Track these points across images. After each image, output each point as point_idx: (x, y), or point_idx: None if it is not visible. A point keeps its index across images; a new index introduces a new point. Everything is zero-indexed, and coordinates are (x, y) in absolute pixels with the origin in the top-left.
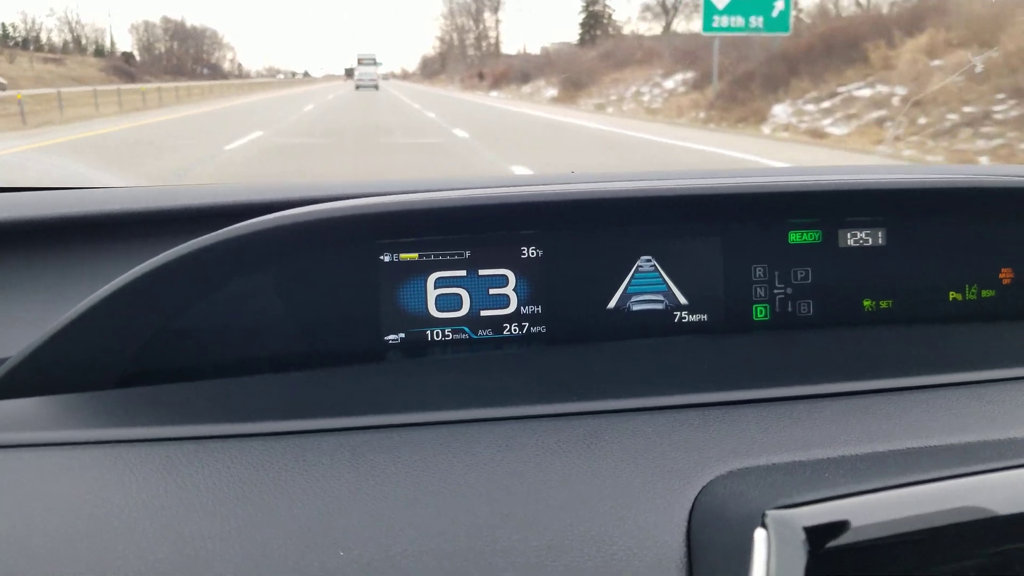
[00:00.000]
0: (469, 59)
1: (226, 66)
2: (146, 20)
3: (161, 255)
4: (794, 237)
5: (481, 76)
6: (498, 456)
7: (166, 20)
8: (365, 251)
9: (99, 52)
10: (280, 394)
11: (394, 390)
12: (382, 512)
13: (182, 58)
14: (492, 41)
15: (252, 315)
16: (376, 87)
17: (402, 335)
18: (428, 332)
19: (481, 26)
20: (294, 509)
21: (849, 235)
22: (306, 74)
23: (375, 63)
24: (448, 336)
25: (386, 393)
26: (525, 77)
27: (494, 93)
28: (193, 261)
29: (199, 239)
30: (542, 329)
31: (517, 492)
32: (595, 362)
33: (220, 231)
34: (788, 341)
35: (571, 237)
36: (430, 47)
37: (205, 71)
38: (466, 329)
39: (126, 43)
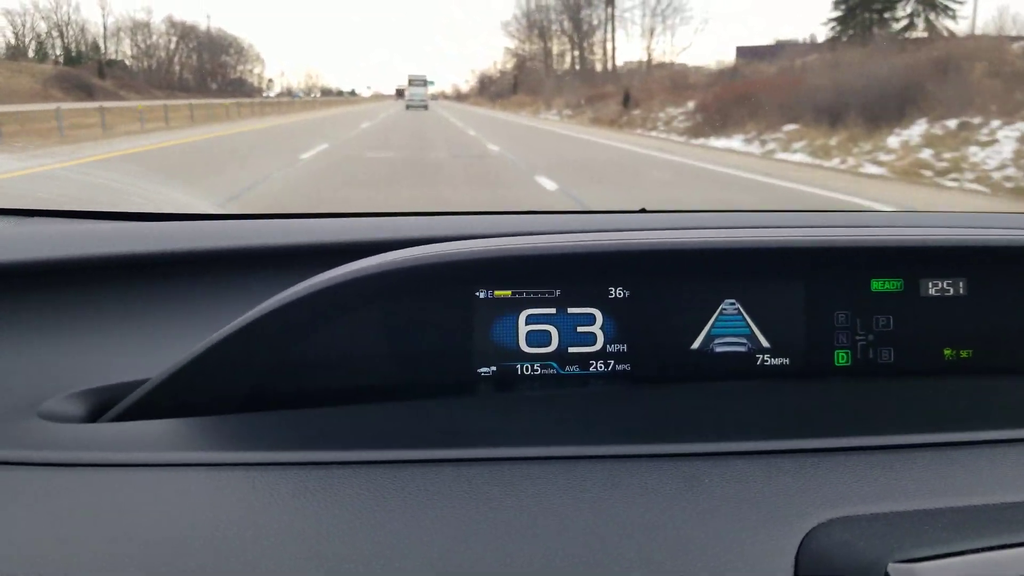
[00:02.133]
0: (562, 75)
1: (254, 82)
2: (136, 19)
3: (286, 292)
4: (876, 285)
5: (627, 99)
6: (605, 494)
7: (170, 22)
8: (462, 288)
9: (41, 56)
10: (388, 424)
11: (491, 423)
12: (502, 544)
13: (193, 69)
14: (598, 56)
15: (358, 347)
16: (426, 107)
17: (494, 368)
18: (518, 366)
19: (591, 31)
20: (424, 537)
21: (931, 284)
22: (352, 92)
23: (425, 84)
24: (537, 371)
25: (484, 426)
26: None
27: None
28: (315, 299)
29: (320, 278)
30: (627, 367)
31: (625, 529)
32: (681, 403)
33: (338, 272)
34: (870, 388)
35: (658, 280)
36: (492, 62)
37: (214, 86)
38: (554, 364)
39: (121, 48)
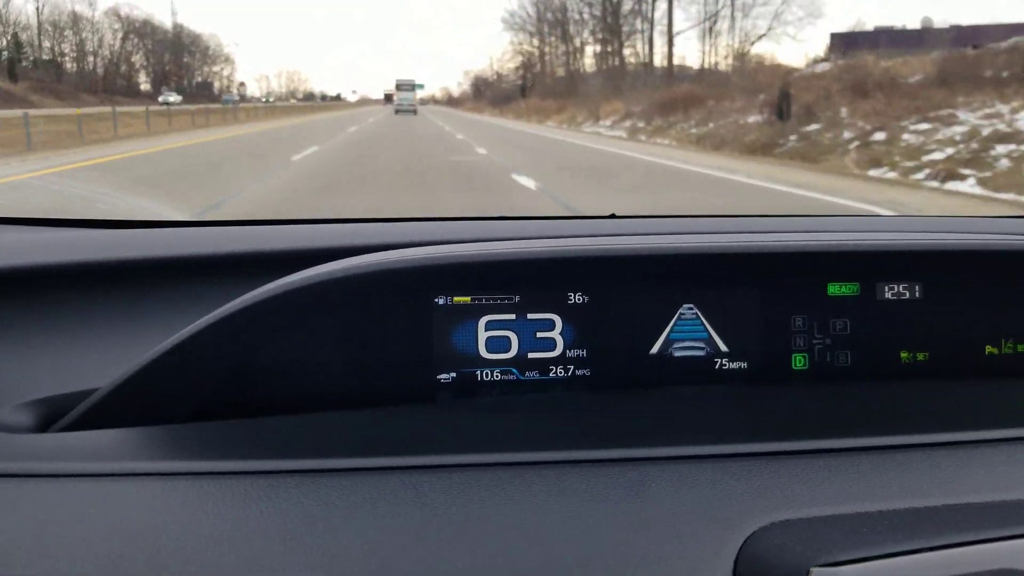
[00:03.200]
0: (599, 75)
1: (222, 85)
2: (75, 11)
3: (240, 299)
4: (833, 289)
5: (784, 107)
6: (550, 500)
7: (115, 15)
8: (421, 294)
9: None
10: (343, 432)
11: (449, 430)
12: (445, 550)
13: (151, 70)
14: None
15: (313, 355)
16: (415, 112)
17: (453, 375)
18: (478, 372)
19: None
20: (365, 545)
21: (887, 288)
22: (338, 97)
23: (413, 88)
24: (497, 377)
25: (441, 432)
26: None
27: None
28: (268, 306)
29: (272, 285)
30: (587, 372)
31: (568, 535)
32: (639, 407)
33: (290, 279)
34: (827, 392)
35: (616, 285)
36: (488, 62)
37: (164, 90)
38: (514, 371)
39: (60, 46)
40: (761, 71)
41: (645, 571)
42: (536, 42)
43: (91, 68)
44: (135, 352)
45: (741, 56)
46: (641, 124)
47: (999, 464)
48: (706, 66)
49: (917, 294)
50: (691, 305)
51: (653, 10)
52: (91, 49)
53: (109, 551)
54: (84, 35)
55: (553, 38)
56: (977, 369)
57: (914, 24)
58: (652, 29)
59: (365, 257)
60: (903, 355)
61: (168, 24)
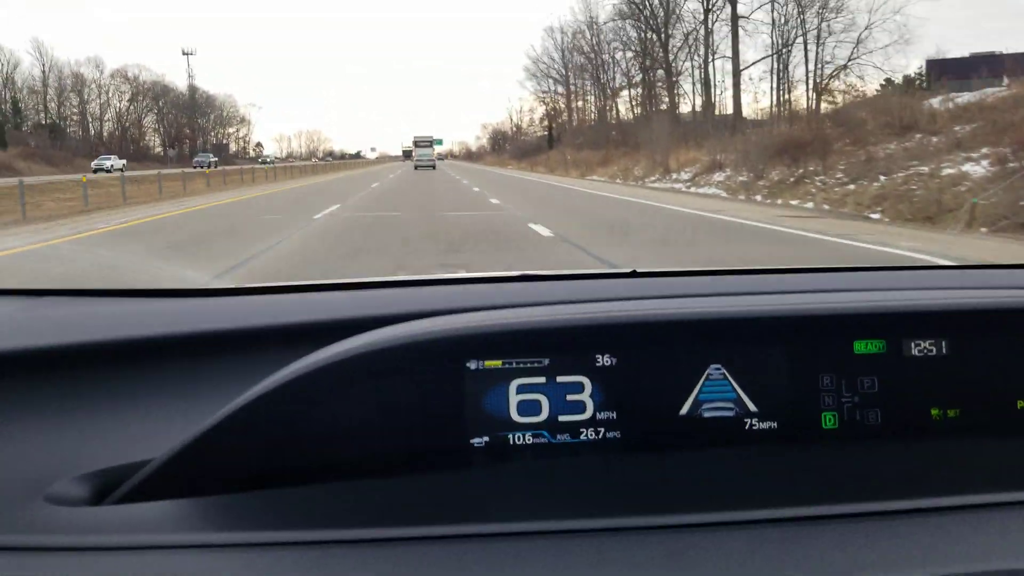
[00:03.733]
0: (626, 124)
1: (238, 145)
2: (77, 73)
3: (281, 373)
4: (859, 347)
5: None
6: (591, 571)
7: (123, 77)
8: (454, 360)
9: None
10: (385, 499)
11: (485, 497)
12: None
13: (164, 132)
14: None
15: (351, 422)
16: (433, 167)
17: (486, 439)
18: (510, 436)
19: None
20: None
21: (913, 344)
22: (358, 155)
23: (431, 144)
24: (529, 440)
25: (477, 499)
26: None
27: None
28: (310, 378)
29: (312, 359)
30: (617, 434)
31: None
32: (671, 470)
33: (329, 352)
34: (858, 451)
35: (643, 347)
36: (507, 115)
37: (172, 152)
38: (545, 433)
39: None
40: (909, 106)
41: None
42: (561, 89)
43: (94, 132)
44: (185, 423)
45: (824, 90)
46: (744, 178)
47: None
48: (777, 104)
49: (944, 350)
50: (719, 365)
51: (707, 41)
52: (95, 112)
53: None
54: (88, 97)
55: (583, 82)
56: (1011, 425)
57: (997, 49)
58: (711, 61)
59: (399, 328)
60: (934, 412)
61: (181, 85)
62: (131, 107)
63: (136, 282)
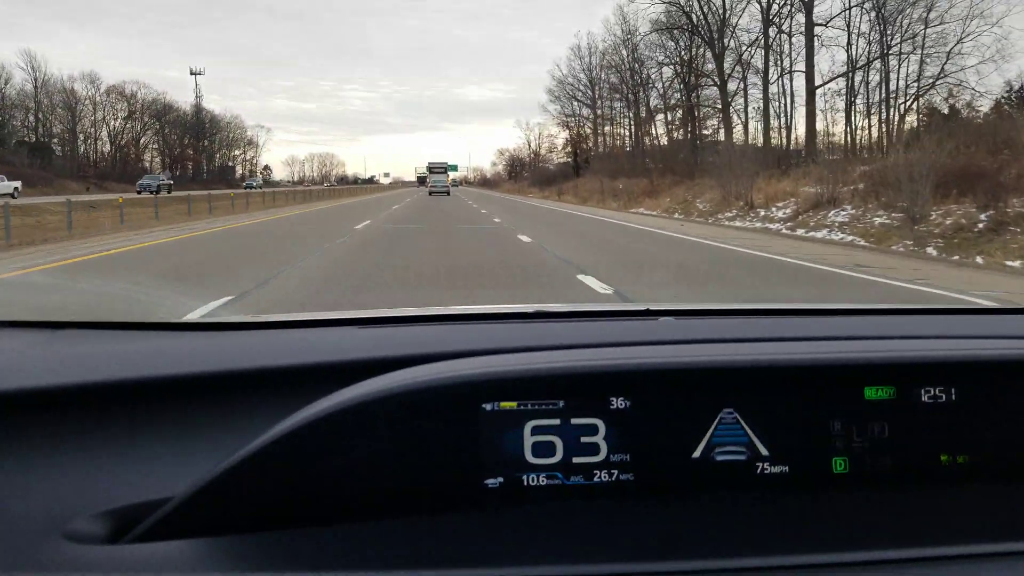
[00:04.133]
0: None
1: (244, 168)
2: (67, 88)
3: (299, 416)
4: (869, 393)
5: None
6: None
7: (119, 94)
8: (469, 401)
9: None
10: (400, 541)
11: (499, 540)
12: None
13: (148, 151)
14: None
15: (367, 464)
16: (448, 193)
17: (500, 479)
18: (524, 477)
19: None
20: None
21: (923, 391)
22: (371, 180)
23: (445, 171)
24: (543, 482)
25: (492, 543)
26: None
27: None
28: (325, 421)
29: (327, 404)
30: (630, 477)
31: None
32: (683, 514)
33: (344, 396)
34: (869, 497)
35: (656, 391)
36: (525, 138)
37: (162, 176)
38: (559, 475)
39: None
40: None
41: None
42: (587, 112)
43: (83, 151)
44: (204, 462)
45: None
46: (884, 219)
47: None
48: (847, 128)
49: (954, 397)
50: (731, 409)
51: (766, 55)
52: (87, 130)
53: None
54: (81, 115)
55: (613, 103)
56: (1020, 472)
57: None
58: (781, 77)
59: (417, 371)
60: (943, 458)
61: (184, 104)
62: (127, 125)
63: (151, 315)
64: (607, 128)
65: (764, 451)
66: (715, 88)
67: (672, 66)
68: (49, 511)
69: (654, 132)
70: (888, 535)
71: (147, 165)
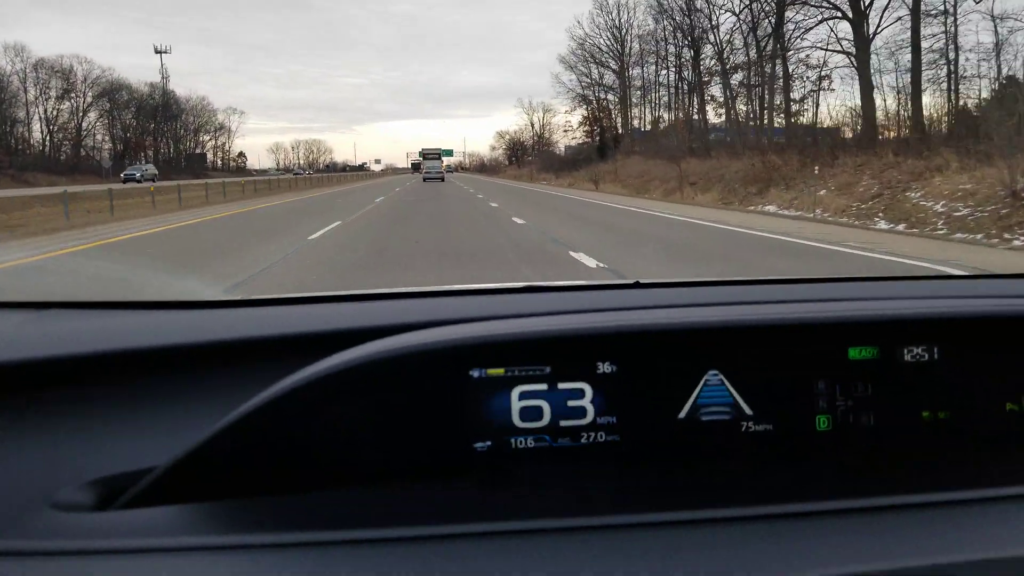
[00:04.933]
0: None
1: (212, 156)
2: None
3: (285, 382)
4: (853, 353)
5: None
6: (587, 565)
7: (49, 69)
8: (457, 368)
9: None
10: (388, 503)
11: (487, 498)
12: None
13: (93, 136)
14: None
15: (356, 430)
16: (442, 179)
17: (489, 443)
18: (512, 440)
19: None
20: None
21: (906, 351)
22: (362, 167)
23: (439, 156)
24: (530, 444)
25: (480, 501)
26: None
27: None
28: (313, 387)
29: (315, 369)
30: (616, 438)
31: None
32: (668, 471)
33: (332, 361)
34: (851, 452)
35: (642, 355)
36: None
37: (106, 164)
38: (547, 438)
39: None
40: None
41: None
42: (613, 80)
43: (4, 135)
44: (186, 432)
45: None
46: None
47: (1021, 520)
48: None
49: (935, 356)
50: (716, 371)
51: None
52: (10, 112)
53: None
54: (4, 95)
55: (649, 69)
56: (999, 426)
57: None
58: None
59: (404, 337)
60: (924, 414)
61: (136, 81)
62: (61, 106)
63: (143, 295)
64: (635, 102)
65: (748, 411)
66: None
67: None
68: (37, 482)
69: (733, 106)
70: (868, 485)
71: (96, 154)
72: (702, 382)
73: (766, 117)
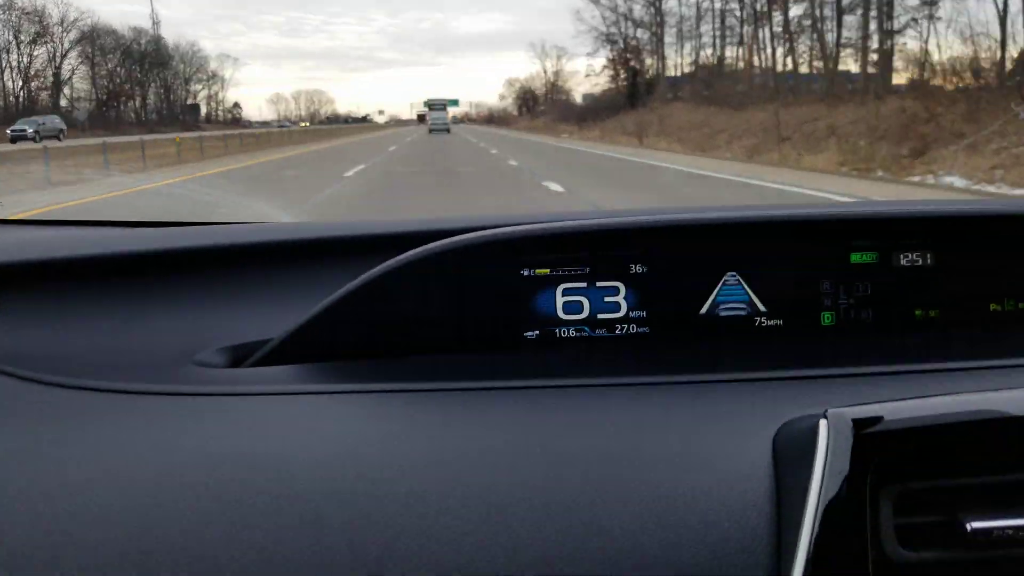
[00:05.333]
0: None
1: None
2: None
3: (377, 268)
4: (855, 257)
5: None
6: (619, 411)
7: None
8: (511, 267)
9: None
10: (455, 366)
11: (535, 366)
12: (536, 442)
13: (68, 85)
14: None
15: (431, 311)
16: (448, 130)
17: (537, 332)
18: (556, 330)
19: None
20: (479, 443)
21: (902, 256)
22: (365, 119)
23: (445, 107)
24: (572, 333)
25: (529, 367)
26: None
27: None
28: (396, 273)
29: (401, 257)
30: (646, 330)
31: (631, 434)
32: (690, 353)
33: (413, 252)
34: (851, 341)
35: (670, 256)
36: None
37: (79, 114)
38: (586, 328)
39: None
40: None
41: (699, 452)
42: (649, 13)
43: None
44: (296, 310)
45: None
46: None
47: (995, 375)
48: None
49: (929, 261)
50: (734, 273)
51: None
52: None
53: (289, 455)
54: None
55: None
56: (982, 323)
57: None
58: None
59: (465, 236)
60: (917, 312)
61: (118, 25)
62: (33, 51)
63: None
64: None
65: (762, 307)
66: None
67: None
68: (182, 345)
69: (793, 46)
70: (865, 359)
71: (79, 104)
72: (721, 282)
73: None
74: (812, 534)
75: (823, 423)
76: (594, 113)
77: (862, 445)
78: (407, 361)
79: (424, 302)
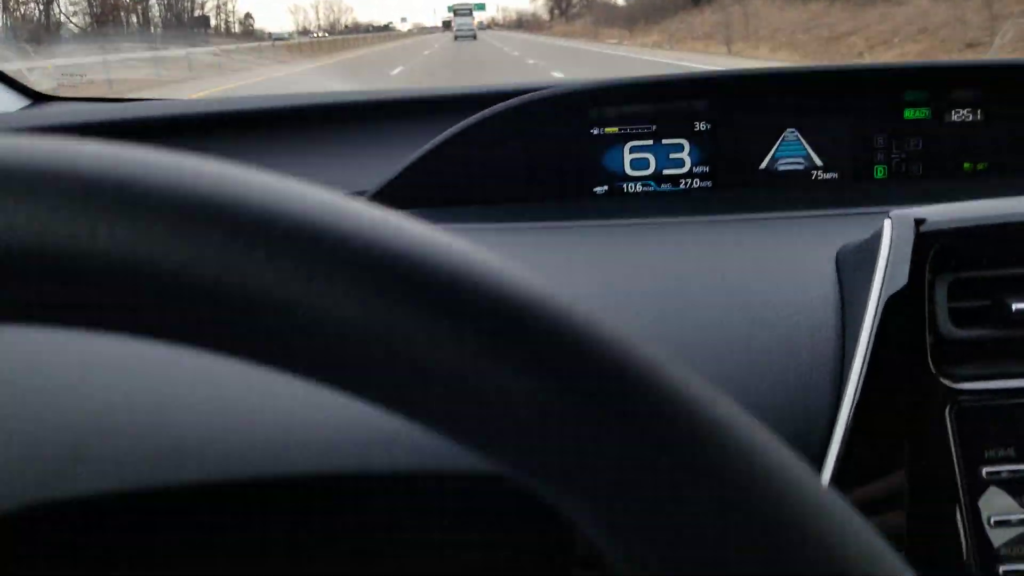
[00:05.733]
0: None
1: (220, 19)
2: None
3: (461, 123)
4: (908, 114)
5: None
6: (697, 244)
7: None
8: (582, 126)
9: None
10: (535, 211)
11: (608, 213)
12: (627, 272)
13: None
14: None
15: (509, 164)
16: (474, 36)
17: (606, 187)
18: (624, 185)
19: None
20: (585, 266)
21: (954, 112)
22: (387, 27)
23: (470, 12)
24: (639, 188)
25: (602, 214)
26: None
27: None
28: (479, 126)
29: (486, 111)
30: (708, 184)
31: (703, 260)
32: (751, 201)
33: (497, 106)
34: (902, 188)
35: (732, 114)
36: None
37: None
38: (652, 183)
39: None
40: None
41: (768, 266)
42: None
43: None
44: (385, 164)
45: None
46: None
47: None
48: None
49: (979, 116)
50: (793, 129)
51: None
52: None
53: None
54: None
55: None
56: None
57: None
58: None
59: (544, 90)
60: (966, 166)
61: None
62: None
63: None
64: None
65: (819, 162)
66: None
67: None
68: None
69: None
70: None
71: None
72: (780, 138)
73: None
74: (876, 315)
75: (887, 222)
76: (644, 13)
77: (921, 241)
78: (487, 208)
79: (502, 157)
